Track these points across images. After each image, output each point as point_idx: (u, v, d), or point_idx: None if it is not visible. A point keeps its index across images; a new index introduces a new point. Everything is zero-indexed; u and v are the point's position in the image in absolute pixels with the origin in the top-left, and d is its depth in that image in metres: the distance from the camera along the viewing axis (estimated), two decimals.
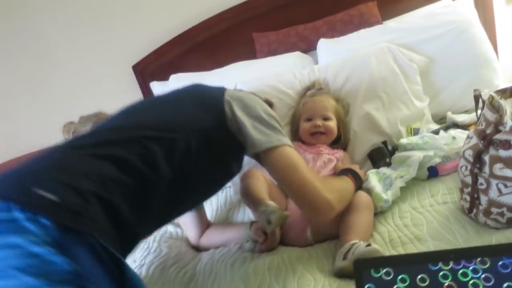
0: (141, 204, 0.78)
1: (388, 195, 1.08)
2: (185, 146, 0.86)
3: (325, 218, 0.94)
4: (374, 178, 1.13)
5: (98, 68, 1.87)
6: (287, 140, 0.98)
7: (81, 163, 0.75)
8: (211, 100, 0.98)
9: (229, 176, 1.07)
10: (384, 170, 1.19)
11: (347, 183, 1.08)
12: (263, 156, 0.97)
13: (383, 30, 1.59)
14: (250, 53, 1.75)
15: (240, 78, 1.58)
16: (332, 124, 1.32)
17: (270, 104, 1.15)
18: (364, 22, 1.64)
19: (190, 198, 0.96)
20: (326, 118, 1.31)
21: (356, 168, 1.20)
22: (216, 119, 0.94)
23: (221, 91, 1.00)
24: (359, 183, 1.12)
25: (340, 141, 1.36)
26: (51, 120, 1.94)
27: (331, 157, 1.27)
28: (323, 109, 1.32)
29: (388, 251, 0.92)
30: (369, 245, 0.88)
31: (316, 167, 1.23)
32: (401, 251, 0.91)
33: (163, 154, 0.82)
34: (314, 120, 1.31)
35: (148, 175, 0.79)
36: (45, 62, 1.86)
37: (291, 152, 0.97)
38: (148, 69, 1.81)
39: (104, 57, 1.85)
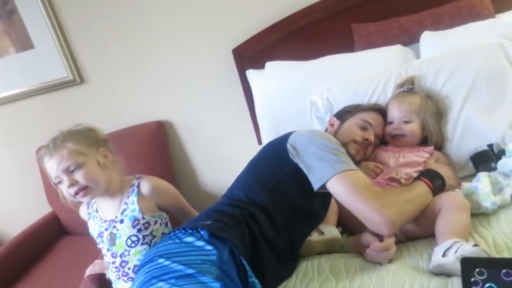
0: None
1: (496, 199, 1.04)
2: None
3: (388, 232, 0.99)
4: (485, 178, 1.10)
5: (200, 49, 1.96)
6: (342, 166, 1.03)
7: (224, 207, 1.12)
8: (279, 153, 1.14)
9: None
10: (495, 174, 1.15)
11: (417, 189, 1.07)
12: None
13: (495, 24, 1.50)
14: (348, 44, 1.74)
15: (334, 71, 1.59)
16: (413, 126, 1.33)
17: None
18: (475, 15, 1.55)
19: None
20: (406, 121, 1.33)
21: (443, 168, 1.17)
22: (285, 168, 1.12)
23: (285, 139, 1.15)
24: (439, 186, 1.09)
25: (428, 142, 1.34)
26: (152, 97, 2.10)
27: (416, 157, 1.27)
28: (405, 112, 1.34)
29: (492, 255, 0.90)
30: (476, 245, 0.87)
31: (395, 167, 1.26)
32: (507, 256, 0.89)
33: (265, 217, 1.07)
34: (394, 123, 1.35)
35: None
36: (151, 43, 1.99)
37: (347, 177, 1.02)
38: (246, 54, 1.86)
39: (206, 39, 1.93)
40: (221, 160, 2.18)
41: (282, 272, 1.03)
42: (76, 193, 1.14)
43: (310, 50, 1.77)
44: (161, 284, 0.85)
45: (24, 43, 2.04)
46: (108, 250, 1.22)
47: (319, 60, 1.68)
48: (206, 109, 2.08)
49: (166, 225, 1.25)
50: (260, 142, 1.97)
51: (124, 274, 1.22)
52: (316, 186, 1.05)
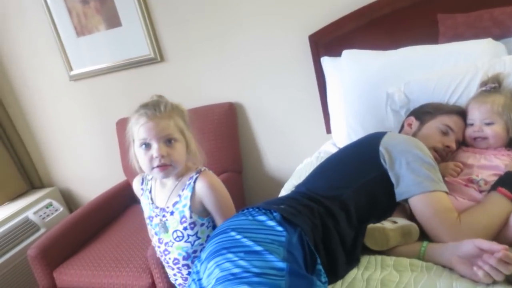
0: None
1: None
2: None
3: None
4: None
5: (277, 33, 1.96)
6: (431, 185, 1.04)
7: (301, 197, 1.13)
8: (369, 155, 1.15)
9: None
10: None
11: (496, 208, 1.02)
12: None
13: None
14: (432, 36, 1.64)
15: (414, 64, 1.52)
16: (496, 128, 1.23)
17: None
18: None
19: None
20: (488, 123, 1.23)
21: None
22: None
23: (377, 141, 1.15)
24: None
25: None
26: (226, 78, 2.15)
27: (497, 160, 1.18)
28: (486, 113, 1.24)
29: None
30: None
31: (474, 167, 1.19)
32: None
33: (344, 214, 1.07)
34: (475, 125, 1.26)
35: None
36: (230, 26, 2.02)
37: (432, 198, 1.03)
38: (323, 40, 1.83)
39: (284, 23, 1.93)
40: (287, 146, 2.19)
41: (348, 266, 1.02)
42: (157, 166, 1.09)
43: (391, 39, 1.70)
44: (230, 255, 0.88)
45: (113, 21, 2.17)
46: (156, 234, 1.23)
47: (399, 51, 1.61)
48: (277, 93, 2.09)
49: (213, 228, 1.20)
50: (328, 131, 1.95)
51: (166, 261, 1.24)
52: (399, 197, 1.08)
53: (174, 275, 1.26)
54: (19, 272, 2.23)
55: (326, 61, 1.82)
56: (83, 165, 2.70)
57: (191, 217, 1.15)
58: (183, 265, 1.21)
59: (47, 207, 2.53)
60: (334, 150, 1.76)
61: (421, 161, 1.07)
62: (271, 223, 0.96)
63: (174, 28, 2.12)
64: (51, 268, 1.84)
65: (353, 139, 1.52)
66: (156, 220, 1.20)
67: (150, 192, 1.24)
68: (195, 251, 1.19)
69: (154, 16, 2.12)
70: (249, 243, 0.90)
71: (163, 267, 1.54)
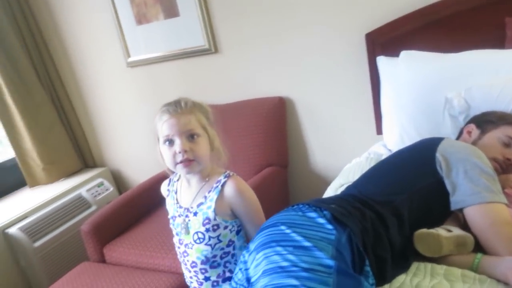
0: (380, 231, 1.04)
1: None
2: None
3: None
4: None
5: (333, 30, 1.94)
6: (489, 196, 1.01)
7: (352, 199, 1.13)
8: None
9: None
10: None
11: None
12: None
13: None
14: (497, 40, 1.57)
15: (477, 69, 1.46)
16: None
17: None
18: None
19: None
20: None
21: None
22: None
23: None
24: None
25: None
26: (278, 73, 2.16)
27: None
28: None
29: None
30: None
31: None
32: None
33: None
34: None
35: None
36: (286, 21, 2.02)
37: (489, 209, 1.01)
38: (380, 39, 1.80)
39: (340, 20, 1.91)
40: (334, 144, 2.17)
41: (396, 271, 1.01)
42: (181, 161, 1.10)
43: (452, 42, 1.65)
44: (279, 249, 0.90)
45: (171, 11, 2.23)
46: (177, 234, 1.22)
47: (461, 54, 1.55)
48: (328, 90, 2.08)
49: (237, 233, 1.18)
50: (379, 132, 1.92)
51: (184, 263, 1.23)
52: (454, 206, 1.06)
53: (190, 277, 1.23)
54: (71, 245, 2.37)
55: (382, 61, 1.79)
56: (134, 148, 2.81)
57: (215, 219, 1.13)
58: (200, 269, 1.18)
59: (98, 186, 2.66)
60: (384, 151, 1.74)
61: (479, 171, 1.05)
62: (321, 220, 0.97)
63: (230, 20, 2.15)
64: (102, 244, 1.94)
65: (406, 142, 1.49)
66: (179, 220, 1.19)
67: (176, 193, 1.24)
68: (214, 256, 1.16)
69: (212, 8, 2.16)
70: (298, 238, 0.92)
71: None
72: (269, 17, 2.05)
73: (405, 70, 1.62)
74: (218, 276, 1.19)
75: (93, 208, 2.52)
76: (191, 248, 1.17)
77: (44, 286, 2.20)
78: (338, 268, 0.85)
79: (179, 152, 1.09)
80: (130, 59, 2.49)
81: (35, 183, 2.67)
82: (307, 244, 0.90)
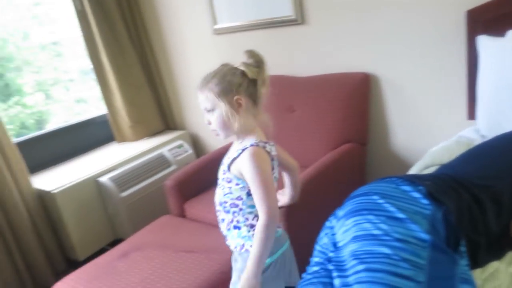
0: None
1: None
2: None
3: None
4: None
5: (429, 5, 1.85)
6: None
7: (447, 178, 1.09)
8: None
9: None
10: None
11: None
12: None
13: None
14: None
15: None
16: None
17: None
18: None
19: None
20: None
21: None
22: None
23: None
24: None
25: None
26: (364, 48, 2.11)
27: None
28: None
29: None
30: None
31: None
32: None
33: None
34: None
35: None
36: None
37: None
38: (483, 17, 1.69)
39: None
40: (419, 125, 2.10)
41: (489, 259, 0.98)
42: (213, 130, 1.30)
43: None
44: (371, 217, 0.91)
45: None
46: None
47: None
48: (417, 69, 2.00)
49: (248, 194, 1.25)
50: (472, 117, 1.82)
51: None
52: None
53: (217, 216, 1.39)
54: (152, 199, 2.55)
55: (483, 40, 1.68)
56: None
57: (229, 170, 1.29)
58: (217, 210, 1.37)
59: (178, 148, 2.81)
60: (476, 137, 1.66)
61: None
62: (416, 194, 0.96)
63: None
64: (183, 199, 2.07)
65: (505, 128, 1.41)
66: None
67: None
68: (225, 202, 1.31)
69: None
70: (391, 209, 0.91)
71: (286, 221, 1.64)
72: None
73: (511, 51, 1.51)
74: (229, 222, 1.32)
75: (173, 167, 2.67)
76: (216, 190, 1.38)
77: (127, 233, 2.39)
78: (433, 243, 0.84)
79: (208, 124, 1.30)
80: (216, 26, 2.55)
81: (122, 139, 2.88)
82: (401, 215, 0.89)
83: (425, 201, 0.93)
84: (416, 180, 1.01)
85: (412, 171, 1.56)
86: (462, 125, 1.88)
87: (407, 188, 0.98)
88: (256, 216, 1.26)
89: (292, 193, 1.56)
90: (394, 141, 2.21)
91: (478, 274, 0.93)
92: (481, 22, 1.71)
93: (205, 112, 1.28)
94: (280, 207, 1.56)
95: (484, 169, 1.12)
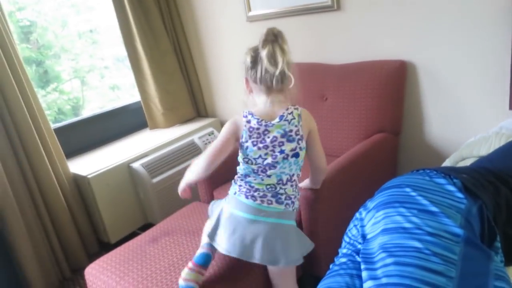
0: None
1: None
2: None
3: None
4: None
5: None
6: None
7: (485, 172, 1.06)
8: None
9: None
10: None
11: None
12: None
13: None
14: None
15: None
16: None
17: None
18: None
19: None
20: None
21: None
22: None
23: None
24: None
25: None
26: (402, 35, 2.03)
27: None
28: None
29: None
30: None
31: None
32: None
33: None
34: None
35: None
36: None
37: None
38: None
39: None
40: (456, 115, 2.02)
41: None
42: None
43: None
44: (402, 210, 0.88)
45: None
46: None
47: None
48: (457, 57, 1.91)
49: (240, 149, 1.45)
50: None
51: None
52: None
53: None
54: None
55: None
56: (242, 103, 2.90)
57: None
58: None
59: (209, 135, 2.82)
60: None
61: None
62: (451, 187, 0.92)
63: None
64: (212, 186, 2.08)
65: None
66: None
67: None
68: None
69: None
70: (424, 202, 0.88)
71: (312, 209, 1.62)
72: None
73: None
74: None
75: None
76: None
77: (158, 218, 2.44)
78: (467, 238, 0.81)
79: None
80: (250, 13, 2.53)
81: (154, 126, 2.92)
82: (433, 209, 0.86)
83: (460, 195, 0.90)
84: (451, 173, 0.97)
85: (447, 163, 1.50)
86: (503, 115, 1.79)
87: (441, 181, 0.94)
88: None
89: (311, 182, 1.60)
90: (429, 132, 2.13)
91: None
92: None
93: None
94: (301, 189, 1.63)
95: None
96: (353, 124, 2.10)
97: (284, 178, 1.40)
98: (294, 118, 1.38)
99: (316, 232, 1.68)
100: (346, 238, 1.04)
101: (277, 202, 1.39)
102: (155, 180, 2.44)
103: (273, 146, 1.37)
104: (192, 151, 2.68)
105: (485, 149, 1.40)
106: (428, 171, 1.01)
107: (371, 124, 2.08)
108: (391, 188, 0.97)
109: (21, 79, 2.09)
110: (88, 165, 2.41)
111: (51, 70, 2.74)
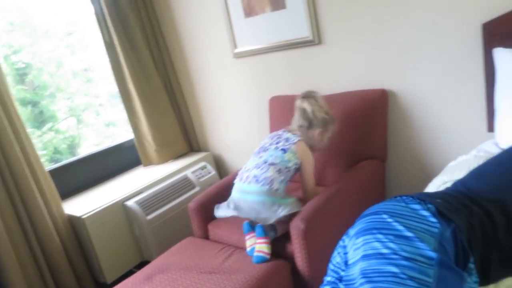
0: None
1: None
2: None
3: None
4: None
5: (443, 20, 1.85)
6: None
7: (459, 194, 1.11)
8: None
9: None
10: None
11: None
12: None
13: None
14: None
15: None
16: None
17: None
18: None
19: None
20: None
21: None
22: None
23: None
24: None
25: None
26: (382, 64, 2.12)
27: None
28: None
29: None
30: None
31: None
32: None
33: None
34: None
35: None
36: (392, 11, 1.97)
37: None
38: (500, 29, 1.67)
39: (455, 8, 1.81)
40: (438, 140, 2.08)
41: (503, 274, 0.97)
42: None
43: None
44: (380, 236, 0.92)
45: (278, 3, 2.31)
46: None
47: None
48: (435, 84, 1.99)
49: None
50: (491, 129, 1.80)
51: None
52: None
53: None
54: (177, 221, 2.60)
55: (500, 53, 1.66)
56: (235, 135, 2.97)
57: None
58: None
59: (202, 169, 2.87)
60: (495, 150, 1.63)
61: None
62: (425, 213, 0.96)
63: (336, 11, 2.15)
64: (206, 221, 2.11)
65: None
66: None
67: None
68: None
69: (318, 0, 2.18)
70: (400, 227, 0.92)
71: (303, 239, 1.65)
72: (375, 7, 2.02)
73: None
74: None
75: (197, 189, 2.73)
76: None
77: (154, 255, 2.45)
78: (440, 261, 0.85)
79: None
80: (236, 50, 2.63)
81: (148, 162, 2.97)
82: (408, 234, 0.90)
83: (433, 219, 0.94)
84: (426, 198, 1.02)
85: (430, 187, 1.54)
86: (483, 137, 1.84)
87: (416, 206, 0.99)
88: None
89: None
90: (414, 156, 2.19)
91: None
92: (498, 35, 1.70)
93: None
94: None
95: (495, 183, 1.11)
96: (340, 152, 2.16)
97: None
98: None
99: (309, 261, 1.70)
100: (331, 266, 1.07)
101: None
102: (149, 216, 2.46)
103: None
104: (186, 186, 2.71)
105: (464, 172, 1.44)
106: (404, 197, 1.05)
107: (358, 151, 2.13)
108: (370, 215, 1.01)
109: (15, 122, 2.15)
110: (83, 205, 2.44)
111: (46, 110, 2.81)
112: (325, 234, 1.76)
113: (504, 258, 0.98)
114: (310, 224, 1.67)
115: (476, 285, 0.90)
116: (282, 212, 1.74)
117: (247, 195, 1.81)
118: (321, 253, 1.73)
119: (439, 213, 0.96)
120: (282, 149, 1.84)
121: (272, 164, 1.81)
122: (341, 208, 1.87)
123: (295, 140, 1.86)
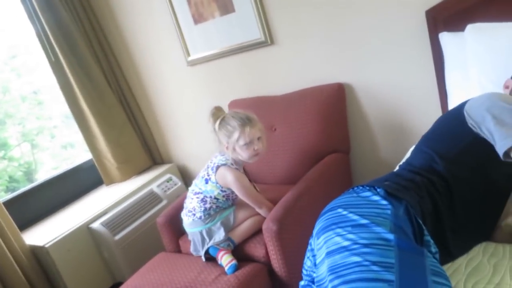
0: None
1: None
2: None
3: None
4: None
5: (390, 10, 1.90)
6: None
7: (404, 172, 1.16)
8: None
9: None
10: None
11: None
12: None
13: None
14: None
15: None
16: None
17: None
18: None
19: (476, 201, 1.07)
20: None
21: None
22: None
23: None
24: None
25: None
26: (335, 59, 2.15)
27: None
28: None
29: None
30: None
31: None
32: None
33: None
34: None
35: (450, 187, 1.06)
36: (343, 4, 2.00)
37: None
38: (442, 15, 1.73)
39: (398, 0, 1.86)
40: (398, 127, 2.13)
41: (464, 245, 1.00)
42: (257, 153, 1.77)
43: None
44: (339, 230, 0.94)
45: (227, 7, 2.29)
46: None
47: None
48: (388, 73, 2.03)
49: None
50: (444, 112, 1.85)
51: None
52: (500, 153, 1.00)
53: None
54: (147, 237, 2.53)
55: (445, 37, 1.72)
56: (198, 144, 2.93)
57: None
58: None
59: (167, 182, 2.80)
60: None
61: (509, 112, 1.00)
62: (375, 197, 1.00)
63: (284, 11, 2.16)
64: (176, 234, 2.05)
65: None
66: None
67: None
68: None
69: (266, 1, 2.18)
70: (355, 217, 0.95)
71: (277, 240, 1.64)
72: (323, 4, 2.04)
73: (472, 44, 1.55)
74: None
75: (164, 202, 2.67)
76: None
77: (126, 276, 2.37)
78: (398, 241, 0.87)
79: (256, 149, 1.77)
80: (190, 58, 2.59)
81: (110, 181, 2.87)
82: (364, 221, 0.92)
83: (384, 202, 0.97)
84: (375, 184, 1.05)
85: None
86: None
87: (367, 193, 1.02)
88: None
89: None
90: (377, 146, 2.23)
91: (461, 269, 0.94)
92: (441, 20, 1.76)
93: (255, 141, 1.74)
94: None
95: (427, 154, 1.16)
96: (303, 149, 2.17)
97: None
98: None
99: (285, 262, 1.69)
100: (303, 271, 1.09)
101: None
102: (117, 237, 2.38)
103: None
104: (152, 200, 2.64)
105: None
106: (355, 188, 1.09)
107: (321, 147, 2.15)
108: (326, 212, 1.03)
109: None
110: (45, 233, 2.32)
111: None
112: (299, 233, 1.75)
113: (456, 227, 1.01)
114: (282, 225, 1.66)
115: (437, 255, 0.93)
116: (210, 242, 1.81)
117: (186, 227, 1.92)
118: (297, 252, 1.73)
119: (389, 195, 0.99)
120: (205, 179, 1.84)
121: (196, 193, 1.86)
122: (311, 204, 1.87)
123: (215, 168, 1.81)
